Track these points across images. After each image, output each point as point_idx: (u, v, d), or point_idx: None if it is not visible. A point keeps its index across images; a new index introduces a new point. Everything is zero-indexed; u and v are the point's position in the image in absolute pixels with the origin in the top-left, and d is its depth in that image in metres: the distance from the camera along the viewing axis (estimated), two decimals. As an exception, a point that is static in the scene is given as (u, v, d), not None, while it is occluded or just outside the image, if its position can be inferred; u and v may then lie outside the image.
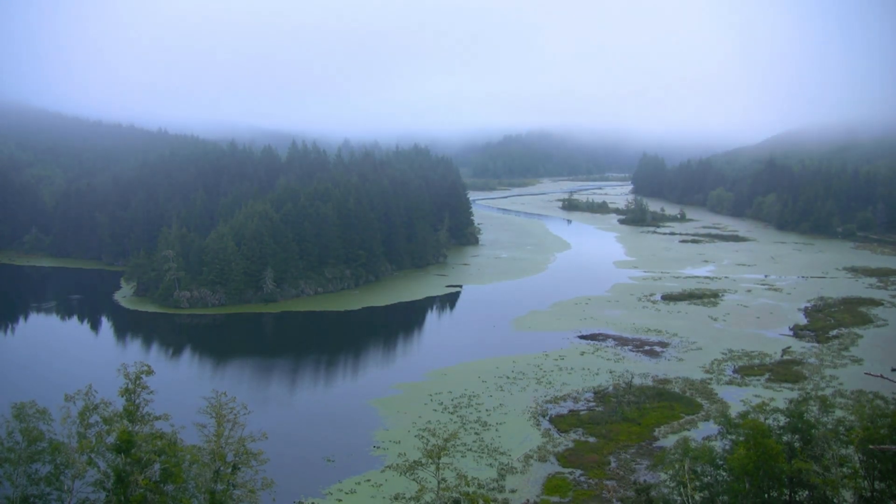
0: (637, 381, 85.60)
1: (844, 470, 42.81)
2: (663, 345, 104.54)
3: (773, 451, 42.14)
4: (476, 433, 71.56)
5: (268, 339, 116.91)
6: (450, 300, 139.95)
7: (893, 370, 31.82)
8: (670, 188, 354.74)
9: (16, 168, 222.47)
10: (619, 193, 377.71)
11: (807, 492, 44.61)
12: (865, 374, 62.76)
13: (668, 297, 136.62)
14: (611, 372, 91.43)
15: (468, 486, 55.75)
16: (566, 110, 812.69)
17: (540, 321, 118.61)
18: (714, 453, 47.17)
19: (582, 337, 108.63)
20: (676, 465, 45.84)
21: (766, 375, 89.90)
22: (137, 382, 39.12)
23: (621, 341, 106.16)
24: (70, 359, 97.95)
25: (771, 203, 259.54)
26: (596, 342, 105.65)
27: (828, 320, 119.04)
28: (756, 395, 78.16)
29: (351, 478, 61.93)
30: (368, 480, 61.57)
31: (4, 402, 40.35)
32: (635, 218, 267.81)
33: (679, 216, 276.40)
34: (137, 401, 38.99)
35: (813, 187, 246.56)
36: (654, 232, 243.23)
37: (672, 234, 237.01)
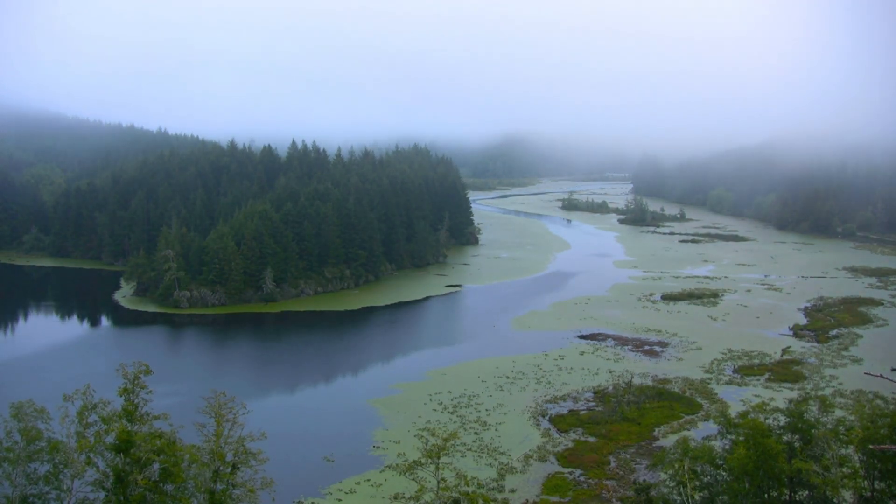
0: (637, 381, 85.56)
1: (844, 470, 42.75)
2: (663, 345, 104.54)
3: (773, 451, 42.12)
4: (476, 433, 71.58)
5: (268, 339, 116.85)
6: (450, 300, 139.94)
7: (893, 370, 31.88)
8: (670, 188, 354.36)
9: (16, 168, 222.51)
10: (618, 193, 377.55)
11: (807, 492, 44.58)
12: (865, 373, 62.94)
13: (668, 297, 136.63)
14: (610, 372, 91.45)
15: (468, 485, 55.61)
16: (566, 110, 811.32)
17: (540, 321, 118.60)
18: (714, 453, 47.12)
19: (582, 337, 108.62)
20: (676, 465, 45.79)
21: (766, 375, 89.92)
22: (136, 382, 39.03)
23: (621, 341, 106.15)
24: (69, 358, 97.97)
25: (771, 203, 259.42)
26: (596, 342, 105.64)
27: (828, 320, 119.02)
28: (756, 395, 78.25)
29: (350, 477, 61.94)
30: (368, 480, 61.57)
31: (3, 402, 40.32)
32: (635, 218, 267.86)
33: (679, 216, 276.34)
34: (136, 400, 38.92)
35: (813, 187, 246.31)
36: (654, 232, 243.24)
37: (672, 233, 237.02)
